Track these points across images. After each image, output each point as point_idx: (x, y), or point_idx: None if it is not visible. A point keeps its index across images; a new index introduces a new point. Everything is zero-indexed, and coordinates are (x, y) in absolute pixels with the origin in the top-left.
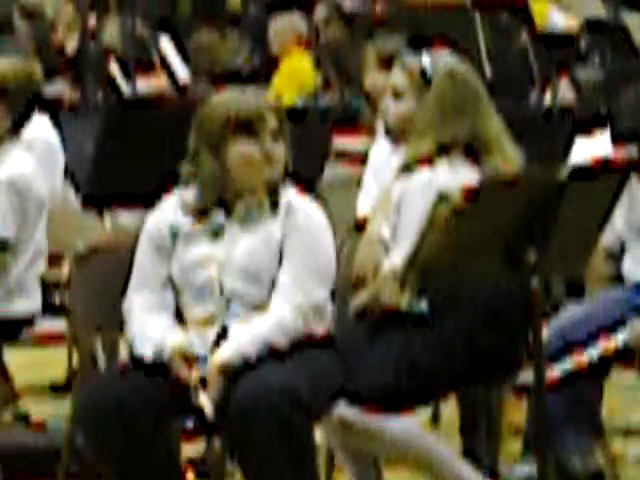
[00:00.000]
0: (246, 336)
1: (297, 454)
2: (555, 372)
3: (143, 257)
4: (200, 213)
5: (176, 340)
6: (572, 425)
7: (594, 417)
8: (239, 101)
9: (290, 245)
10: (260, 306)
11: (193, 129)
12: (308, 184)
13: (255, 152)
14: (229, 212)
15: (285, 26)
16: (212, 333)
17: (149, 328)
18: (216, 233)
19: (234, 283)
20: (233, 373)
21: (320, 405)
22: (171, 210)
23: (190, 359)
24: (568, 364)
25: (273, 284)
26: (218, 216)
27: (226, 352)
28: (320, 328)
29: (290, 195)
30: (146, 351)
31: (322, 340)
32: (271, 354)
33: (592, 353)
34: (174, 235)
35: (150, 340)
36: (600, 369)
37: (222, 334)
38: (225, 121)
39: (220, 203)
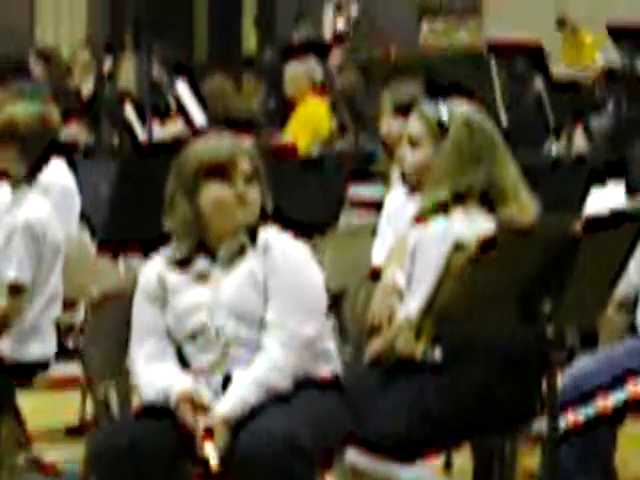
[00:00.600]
0: (245, 384)
1: None
2: (580, 417)
3: (140, 311)
4: (183, 263)
5: (182, 387)
6: (585, 475)
7: (607, 466)
8: (213, 146)
9: (272, 284)
10: (254, 349)
11: (171, 175)
12: (306, 230)
13: (228, 196)
14: (213, 256)
15: (300, 71)
16: (217, 380)
17: (155, 375)
18: (201, 278)
19: (226, 325)
20: (237, 423)
21: (325, 452)
22: (159, 265)
23: (197, 406)
24: (592, 408)
25: (261, 322)
26: (201, 262)
27: (228, 403)
28: (325, 369)
29: (268, 234)
30: (153, 398)
31: (328, 382)
32: (272, 398)
33: (605, 403)
34: (163, 287)
35: (156, 387)
36: (613, 419)
37: (226, 381)
38: (198, 166)
39: (202, 248)
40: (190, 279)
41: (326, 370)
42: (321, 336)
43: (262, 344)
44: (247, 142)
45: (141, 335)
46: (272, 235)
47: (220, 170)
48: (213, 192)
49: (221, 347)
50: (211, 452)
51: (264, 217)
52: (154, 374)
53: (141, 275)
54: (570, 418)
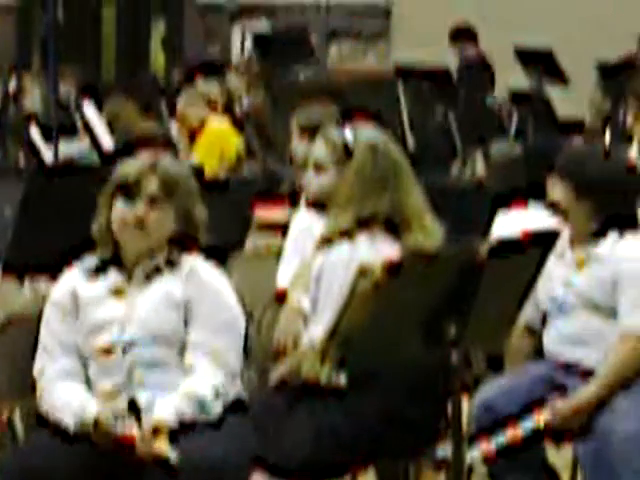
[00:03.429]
0: (181, 397)
1: None
2: (491, 445)
3: (51, 325)
4: (98, 273)
5: (98, 405)
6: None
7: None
8: (128, 164)
9: (199, 307)
10: (167, 370)
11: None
12: (220, 256)
13: (127, 217)
14: (129, 274)
15: (196, 95)
16: (122, 404)
17: (67, 397)
18: (116, 293)
19: (136, 343)
20: (170, 433)
21: (236, 476)
22: (73, 278)
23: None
24: (503, 437)
25: (181, 347)
26: (116, 276)
27: (163, 411)
28: (232, 392)
29: (192, 260)
30: (67, 421)
31: (234, 405)
32: (204, 420)
33: (515, 433)
34: (75, 302)
35: (70, 410)
36: (525, 447)
37: (131, 405)
38: (115, 181)
39: (118, 263)
40: (104, 292)
41: (233, 393)
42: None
43: (190, 364)
44: (170, 162)
45: (53, 350)
46: (197, 262)
47: (126, 189)
48: (117, 210)
49: (126, 368)
50: (167, 447)
51: (188, 242)
52: (66, 395)
53: (54, 288)
54: (483, 447)
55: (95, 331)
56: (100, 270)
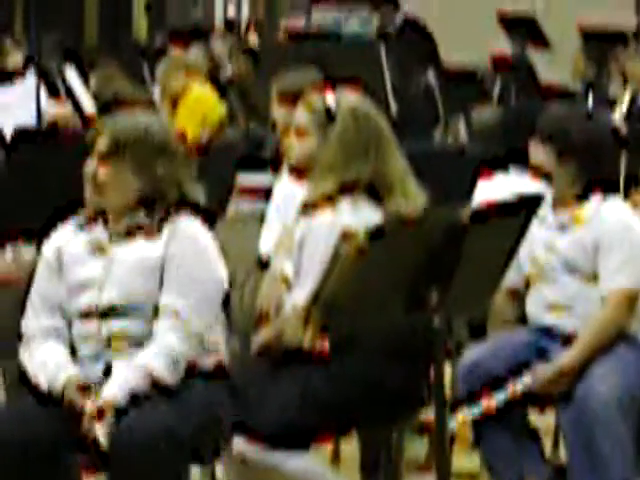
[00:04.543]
0: (130, 369)
1: None
2: (492, 402)
3: (39, 281)
4: (83, 229)
5: (69, 372)
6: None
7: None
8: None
9: (170, 270)
10: (143, 337)
11: None
12: (209, 218)
13: (86, 172)
14: (110, 232)
15: (176, 62)
16: (98, 369)
17: (45, 358)
18: (98, 250)
19: (115, 312)
20: (118, 410)
21: (210, 443)
22: (61, 235)
23: (85, 389)
24: (503, 395)
25: (155, 311)
26: (100, 231)
27: (112, 388)
28: (211, 359)
29: (180, 221)
30: (41, 380)
31: (214, 372)
32: (158, 388)
33: (501, 397)
34: (60, 259)
35: (45, 372)
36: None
37: (107, 370)
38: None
39: (104, 219)
40: (88, 250)
41: (212, 360)
42: (211, 328)
43: (157, 329)
44: (126, 120)
45: (37, 307)
46: (182, 222)
47: (91, 148)
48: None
49: (105, 336)
50: (101, 432)
51: (177, 205)
52: (44, 354)
53: (45, 245)
54: (484, 403)
55: (77, 291)
56: (86, 226)
